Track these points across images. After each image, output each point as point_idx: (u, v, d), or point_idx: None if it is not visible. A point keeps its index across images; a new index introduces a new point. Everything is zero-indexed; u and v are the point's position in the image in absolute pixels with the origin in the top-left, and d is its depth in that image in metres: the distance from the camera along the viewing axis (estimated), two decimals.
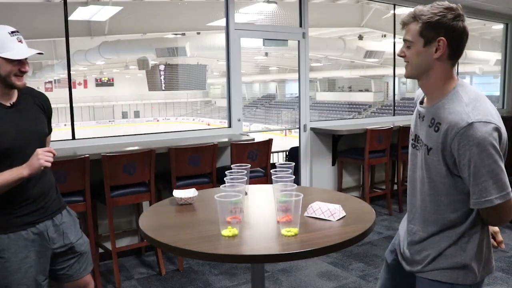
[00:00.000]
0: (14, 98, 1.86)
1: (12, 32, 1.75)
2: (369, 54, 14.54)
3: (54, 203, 1.99)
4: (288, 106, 30.99)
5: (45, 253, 1.92)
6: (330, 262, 3.68)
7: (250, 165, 2.02)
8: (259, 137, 4.17)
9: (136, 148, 3.54)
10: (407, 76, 1.48)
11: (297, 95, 5.12)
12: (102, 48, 13.07)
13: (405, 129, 4.86)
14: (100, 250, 3.56)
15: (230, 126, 4.53)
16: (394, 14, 5.95)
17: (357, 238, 1.53)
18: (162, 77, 16.07)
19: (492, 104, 1.40)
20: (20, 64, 1.77)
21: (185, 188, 2.09)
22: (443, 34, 1.36)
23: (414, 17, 1.40)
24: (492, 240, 1.57)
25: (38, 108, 1.96)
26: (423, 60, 1.41)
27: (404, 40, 1.44)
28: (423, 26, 1.37)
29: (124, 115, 36.49)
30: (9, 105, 1.84)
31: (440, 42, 1.37)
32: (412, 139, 1.55)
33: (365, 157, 4.78)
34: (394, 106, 6.36)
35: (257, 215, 1.88)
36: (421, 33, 1.38)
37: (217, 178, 3.66)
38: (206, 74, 16.41)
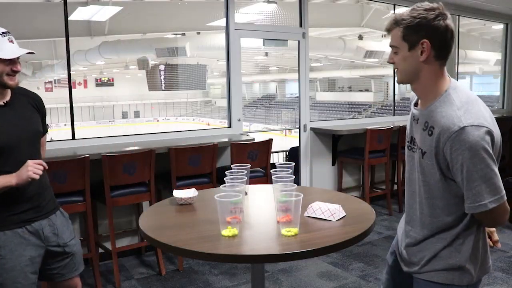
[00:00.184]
0: (8, 97, 1.90)
1: (3, 33, 1.80)
2: (369, 54, 14.54)
3: (50, 203, 2.01)
4: (288, 106, 30.99)
5: (39, 252, 1.94)
6: (330, 262, 3.68)
7: (250, 165, 2.02)
8: (259, 137, 4.17)
9: (136, 148, 3.54)
10: (399, 82, 1.48)
11: (297, 95, 5.12)
12: (102, 48, 13.07)
13: (405, 129, 4.85)
14: (100, 250, 3.56)
15: (230, 126, 4.53)
16: (394, 14, 5.95)
17: (357, 238, 1.53)
18: (162, 77, 16.08)
19: (486, 106, 1.39)
20: (12, 64, 1.81)
21: (185, 188, 2.09)
22: (425, 36, 1.35)
23: (396, 22, 1.39)
24: (488, 240, 1.57)
25: (32, 107, 1.99)
26: (411, 65, 1.40)
27: (390, 46, 1.44)
28: (404, 31, 1.37)
29: (124, 115, 36.49)
30: (2, 104, 1.87)
31: (423, 44, 1.36)
32: (408, 141, 1.55)
33: (365, 157, 4.78)
34: (394, 106, 6.36)
35: (257, 215, 1.88)
36: (403, 38, 1.38)
37: (217, 178, 3.66)
38: (206, 74, 16.42)
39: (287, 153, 6.58)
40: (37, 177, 1.78)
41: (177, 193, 1.98)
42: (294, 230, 1.50)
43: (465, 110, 1.32)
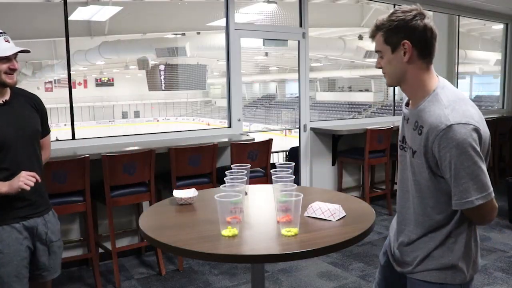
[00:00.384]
0: (7, 97, 1.94)
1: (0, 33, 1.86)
2: (369, 54, 14.52)
3: (44, 202, 2.06)
4: (288, 106, 30.98)
5: (31, 249, 1.99)
6: (330, 262, 3.68)
7: (250, 165, 2.02)
8: (259, 137, 4.17)
9: (136, 148, 3.54)
10: (388, 85, 1.52)
11: (297, 95, 5.12)
12: (102, 48, 13.07)
13: None
14: (100, 250, 3.56)
15: (230, 126, 4.53)
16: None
17: (357, 238, 1.53)
18: (162, 77, 16.07)
19: (475, 105, 1.41)
20: (9, 62, 1.85)
21: (185, 188, 2.09)
22: (405, 37, 1.39)
23: (377, 28, 1.44)
24: None
25: (31, 107, 2.04)
26: (396, 66, 1.44)
27: (376, 51, 1.48)
28: (385, 35, 1.42)
29: (124, 115, 36.48)
30: (1, 102, 1.91)
31: (404, 45, 1.39)
32: (400, 141, 1.58)
33: (365, 157, 4.78)
34: (394, 106, 6.36)
35: (257, 215, 1.88)
36: (385, 41, 1.43)
37: (217, 178, 3.66)
38: (206, 74, 16.41)
39: (287, 153, 6.58)
40: (28, 188, 1.83)
41: (177, 193, 1.98)
42: (294, 230, 1.50)
43: (452, 109, 1.34)
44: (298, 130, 5.12)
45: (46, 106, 2.15)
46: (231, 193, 1.60)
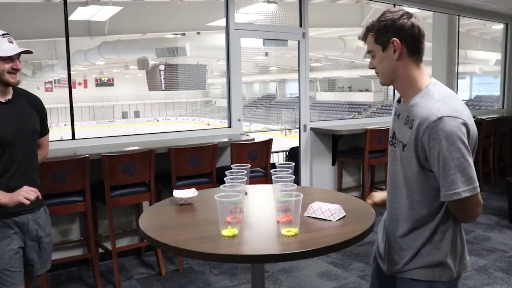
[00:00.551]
0: (10, 96, 2.01)
1: (3, 34, 1.93)
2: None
3: (36, 200, 2.08)
4: (288, 106, 30.99)
5: (21, 244, 2.03)
6: (330, 262, 3.68)
7: (250, 165, 2.02)
8: (259, 137, 4.17)
9: (136, 148, 3.54)
10: (382, 83, 1.58)
11: (297, 95, 5.12)
12: (102, 48, 13.07)
13: None
14: (100, 250, 3.56)
15: (230, 126, 4.53)
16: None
17: (357, 238, 1.53)
18: (162, 77, 16.07)
19: (464, 103, 1.46)
20: (12, 62, 1.92)
21: (185, 188, 2.09)
22: (394, 35, 1.45)
23: (367, 30, 1.52)
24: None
25: (32, 108, 2.10)
26: (388, 64, 1.50)
27: (368, 52, 1.55)
28: (375, 35, 1.49)
29: (124, 115, 36.50)
30: (4, 101, 1.98)
31: (394, 43, 1.46)
32: (391, 137, 1.61)
33: (365, 157, 4.78)
34: None
35: (257, 215, 1.88)
36: (376, 41, 1.50)
37: (217, 178, 3.66)
38: (206, 74, 16.41)
39: (287, 153, 6.58)
40: (27, 202, 1.87)
41: (177, 193, 1.98)
42: (294, 230, 1.50)
43: (443, 103, 1.40)
44: (298, 130, 5.12)
45: (46, 106, 2.22)
46: (231, 193, 1.60)
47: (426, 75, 1.51)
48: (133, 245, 3.76)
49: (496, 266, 3.55)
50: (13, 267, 1.97)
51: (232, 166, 2.01)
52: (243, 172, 1.92)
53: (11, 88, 2.01)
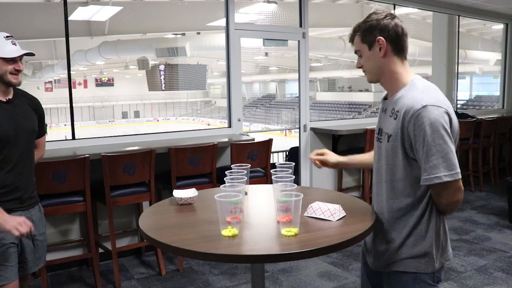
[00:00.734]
0: (10, 95, 2.07)
1: (7, 36, 2.01)
2: None
3: (30, 198, 2.14)
4: (288, 106, 31.02)
5: (15, 240, 2.04)
6: (330, 262, 3.68)
7: (250, 165, 2.02)
8: (259, 137, 4.17)
9: (136, 148, 3.54)
10: (369, 81, 1.66)
11: (297, 95, 5.12)
12: (102, 48, 13.07)
13: None
14: (100, 250, 3.56)
15: (230, 126, 4.53)
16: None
17: (357, 238, 1.53)
18: (162, 77, 16.08)
19: (446, 98, 1.53)
20: (15, 63, 2.00)
21: (185, 188, 2.09)
22: (379, 34, 1.55)
23: (354, 31, 1.61)
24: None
25: (31, 108, 2.16)
26: (374, 62, 1.58)
27: (355, 52, 1.63)
28: (362, 35, 1.59)
29: (124, 115, 36.51)
30: (5, 100, 2.04)
31: (379, 41, 1.55)
32: (377, 133, 1.67)
33: None
34: None
35: (257, 215, 1.88)
36: (362, 41, 1.59)
37: (217, 178, 3.66)
38: (206, 74, 16.43)
39: (287, 153, 6.58)
40: (17, 234, 1.86)
41: (177, 193, 1.98)
42: (294, 230, 1.50)
43: (427, 93, 1.48)
44: (298, 130, 5.13)
45: (46, 106, 2.25)
46: (231, 193, 1.60)
47: (410, 71, 1.58)
48: (133, 245, 3.76)
49: (496, 266, 3.55)
50: (7, 262, 1.99)
51: (232, 166, 2.01)
52: (243, 172, 1.92)
53: (12, 88, 2.06)
